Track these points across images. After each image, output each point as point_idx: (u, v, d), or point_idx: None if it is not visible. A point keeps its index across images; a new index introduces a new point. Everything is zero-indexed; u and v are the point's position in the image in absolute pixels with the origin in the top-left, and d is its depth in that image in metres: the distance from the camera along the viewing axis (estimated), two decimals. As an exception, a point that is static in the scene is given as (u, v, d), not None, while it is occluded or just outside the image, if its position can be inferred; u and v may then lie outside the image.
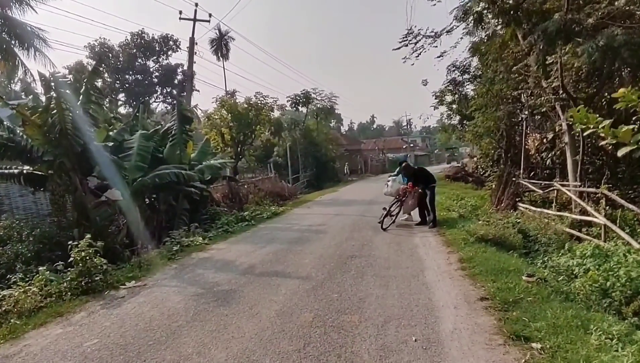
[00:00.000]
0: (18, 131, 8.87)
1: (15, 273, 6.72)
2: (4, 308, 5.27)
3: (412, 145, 78.65)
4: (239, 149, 23.53)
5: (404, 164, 10.91)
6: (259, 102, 24.05)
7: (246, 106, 23.32)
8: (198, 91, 48.40)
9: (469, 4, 11.26)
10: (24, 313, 5.25)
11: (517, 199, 12.92)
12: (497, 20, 11.07)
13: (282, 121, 31.98)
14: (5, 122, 8.84)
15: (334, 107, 37.54)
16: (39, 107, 8.78)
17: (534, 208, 11.34)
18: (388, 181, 11.09)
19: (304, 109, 36.00)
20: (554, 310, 4.31)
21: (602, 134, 2.34)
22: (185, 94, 23.69)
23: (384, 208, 10.64)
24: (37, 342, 4.46)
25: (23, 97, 12.22)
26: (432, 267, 6.48)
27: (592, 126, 2.41)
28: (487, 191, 16.73)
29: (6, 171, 9.17)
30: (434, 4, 12.09)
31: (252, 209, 14.63)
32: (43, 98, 9.34)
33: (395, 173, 11.27)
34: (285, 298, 5.35)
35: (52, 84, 8.85)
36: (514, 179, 13.60)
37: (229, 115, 22.65)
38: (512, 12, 10.14)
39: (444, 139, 49.33)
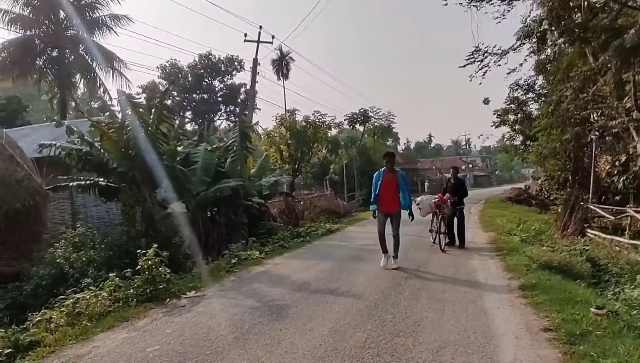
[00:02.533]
0: (97, 145, 9.60)
1: (87, 278, 7.19)
2: (77, 310, 5.65)
3: (471, 165, 76.43)
4: (296, 166, 24.02)
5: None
6: (317, 120, 24.51)
7: (304, 124, 23.82)
8: (259, 109, 50.21)
9: (532, 25, 10.93)
10: (94, 316, 5.57)
11: (585, 225, 12.18)
12: (562, 39, 10.65)
13: (339, 139, 32.30)
14: (85, 137, 9.60)
15: (391, 125, 37.44)
16: (115, 124, 9.50)
17: (604, 235, 10.66)
18: (418, 206, 10.91)
19: (361, 128, 36.18)
20: (627, 347, 4.00)
21: None
22: (247, 112, 24.63)
23: (430, 230, 10.65)
24: (105, 344, 4.73)
25: (101, 114, 13.24)
26: (492, 293, 6.23)
27: None
28: (552, 216, 15.89)
29: (83, 182, 9.93)
30: (499, 22, 11.85)
31: (307, 226, 14.79)
32: (120, 115, 10.09)
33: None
34: (338, 316, 5.35)
35: (129, 103, 9.55)
36: (582, 203, 12.85)
37: (288, 133, 23.22)
38: (579, 30, 9.72)
39: (505, 159, 47.58)
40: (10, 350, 4.54)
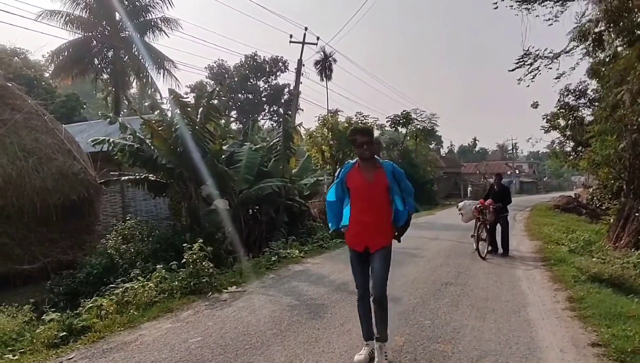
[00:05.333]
0: (147, 142, 10.00)
1: (135, 268, 7.51)
2: (125, 299, 5.91)
3: (517, 171, 73.85)
4: (337, 166, 24.01)
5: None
6: (359, 121, 24.43)
7: (346, 125, 23.80)
8: (302, 109, 50.71)
9: (586, 25, 10.44)
10: (141, 306, 5.80)
11: (640, 237, 11.52)
12: (619, 40, 10.10)
13: (381, 141, 32.06)
14: (137, 134, 10.03)
15: (434, 128, 36.77)
16: (165, 122, 9.88)
17: (662, 249, 10.03)
18: (460, 212, 10.68)
19: (403, 130, 35.76)
20: (682, 368, 3.79)
21: None
22: (290, 112, 24.93)
23: (472, 236, 10.40)
24: (150, 333, 4.94)
25: (151, 112, 13.78)
26: (536, 304, 6.02)
27: None
28: (604, 226, 15.13)
29: (134, 177, 10.38)
30: (550, 24, 11.39)
31: (347, 227, 14.76)
32: (169, 113, 10.49)
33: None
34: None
35: (178, 102, 9.91)
36: (637, 214, 12.15)
37: (330, 133, 23.28)
38: (638, 31, 9.22)
39: (554, 166, 45.74)
40: (64, 333, 4.84)
